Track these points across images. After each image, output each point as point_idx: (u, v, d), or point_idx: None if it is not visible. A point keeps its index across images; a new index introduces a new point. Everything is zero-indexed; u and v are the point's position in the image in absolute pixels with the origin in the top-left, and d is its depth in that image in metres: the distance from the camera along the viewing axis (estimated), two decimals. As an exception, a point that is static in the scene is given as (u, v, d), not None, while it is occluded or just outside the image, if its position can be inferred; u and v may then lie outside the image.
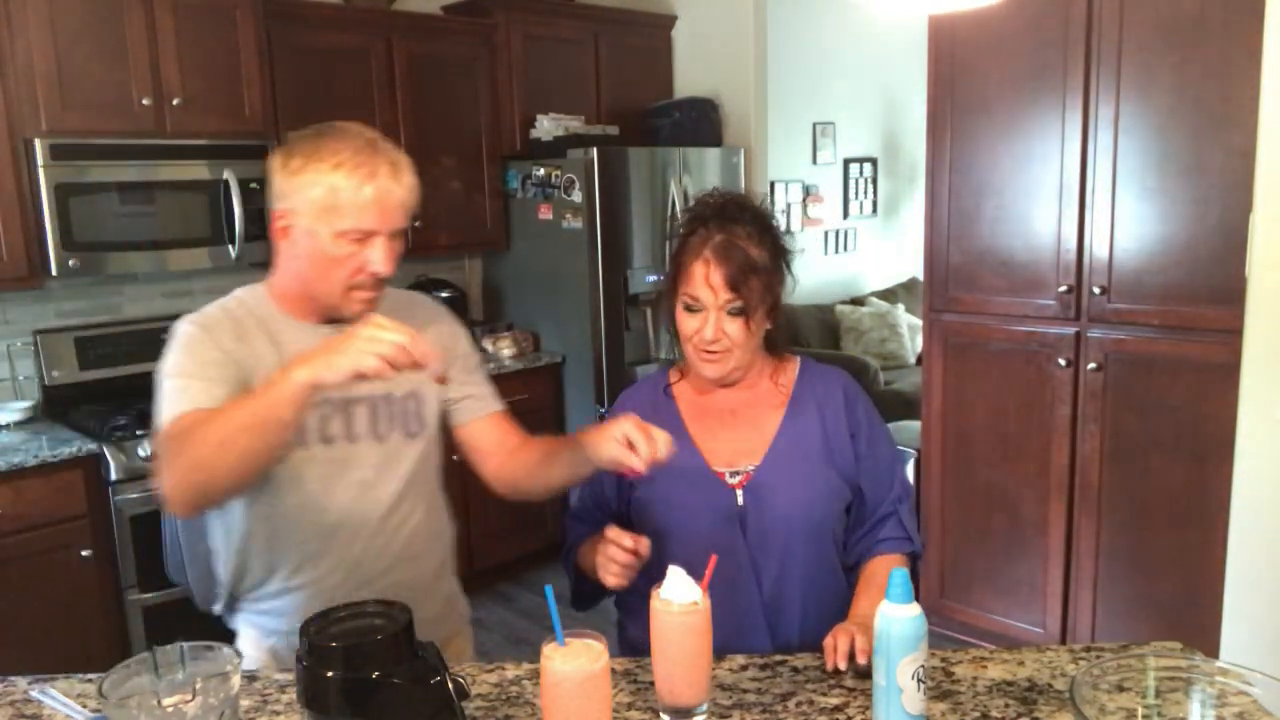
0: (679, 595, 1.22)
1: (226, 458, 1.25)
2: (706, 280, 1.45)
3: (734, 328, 1.46)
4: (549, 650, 1.13)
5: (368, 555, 1.50)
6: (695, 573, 1.26)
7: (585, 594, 1.58)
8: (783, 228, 1.57)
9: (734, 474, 1.52)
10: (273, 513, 1.46)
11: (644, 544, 1.36)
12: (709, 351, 1.48)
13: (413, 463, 1.54)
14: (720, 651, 1.44)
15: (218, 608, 1.61)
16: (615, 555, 1.35)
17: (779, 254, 1.52)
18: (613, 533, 1.38)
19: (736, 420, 1.55)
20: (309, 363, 1.20)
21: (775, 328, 1.55)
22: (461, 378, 1.60)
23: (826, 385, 1.58)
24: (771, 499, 1.49)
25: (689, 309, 1.48)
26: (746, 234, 1.48)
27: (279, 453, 1.33)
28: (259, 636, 1.55)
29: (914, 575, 1.59)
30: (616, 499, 1.60)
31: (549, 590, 1.23)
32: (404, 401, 1.53)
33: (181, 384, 1.37)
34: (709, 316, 1.46)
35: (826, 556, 1.54)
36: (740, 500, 1.50)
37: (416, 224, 3.61)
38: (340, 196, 1.35)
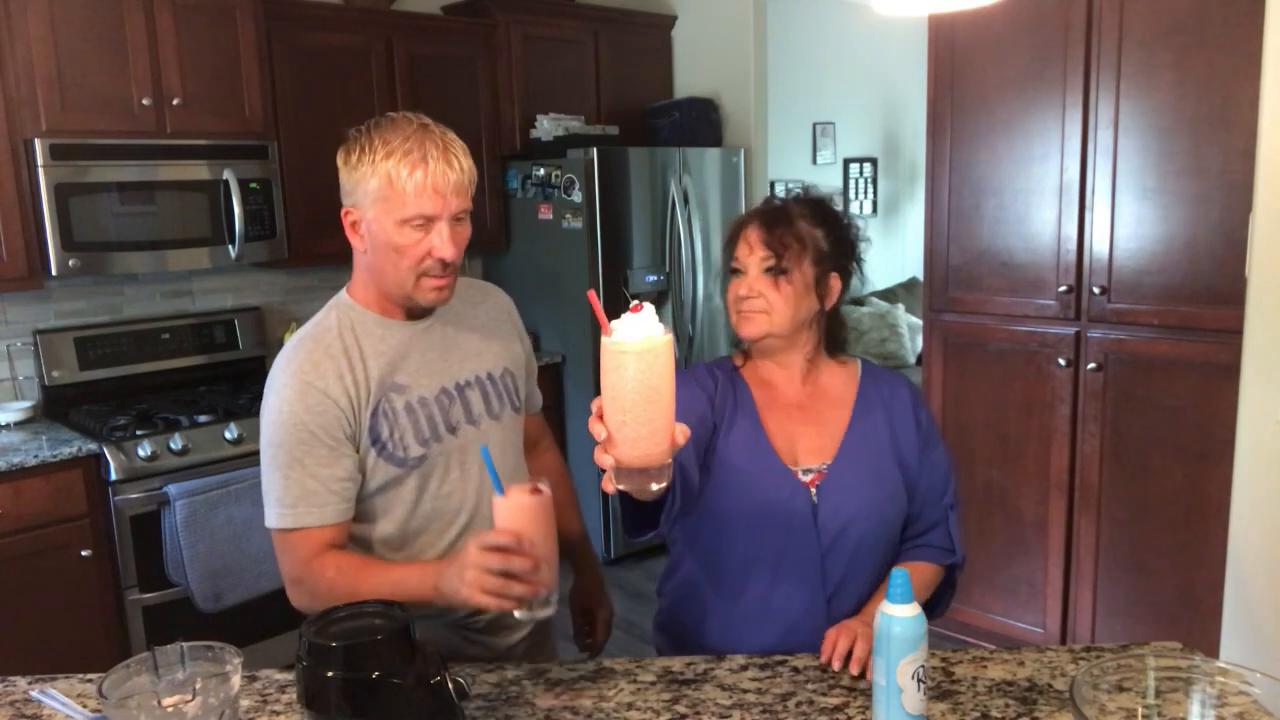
0: (635, 333, 1.02)
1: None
2: (745, 239, 1.49)
3: (769, 287, 1.46)
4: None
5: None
6: (759, 568, 1.30)
7: (635, 521, 1.34)
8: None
9: (806, 471, 1.50)
10: (417, 500, 1.50)
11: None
12: (743, 310, 1.49)
13: (518, 434, 1.64)
14: (774, 648, 1.44)
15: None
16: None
17: (838, 237, 1.52)
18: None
19: (805, 416, 1.54)
20: (439, 581, 1.28)
21: (833, 320, 1.55)
22: (527, 375, 1.69)
23: (892, 387, 1.58)
24: (844, 499, 1.48)
25: (734, 272, 1.51)
26: (800, 211, 1.51)
27: None
28: None
29: (952, 585, 1.58)
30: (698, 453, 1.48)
31: (485, 450, 1.34)
32: (503, 379, 1.59)
33: (295, 482, 1.40)
34: (747, 276, 1.48)
35: (889, 560, 1.53)
36: (814, 498, 1.48)
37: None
38: (396, 185, 1.36)
